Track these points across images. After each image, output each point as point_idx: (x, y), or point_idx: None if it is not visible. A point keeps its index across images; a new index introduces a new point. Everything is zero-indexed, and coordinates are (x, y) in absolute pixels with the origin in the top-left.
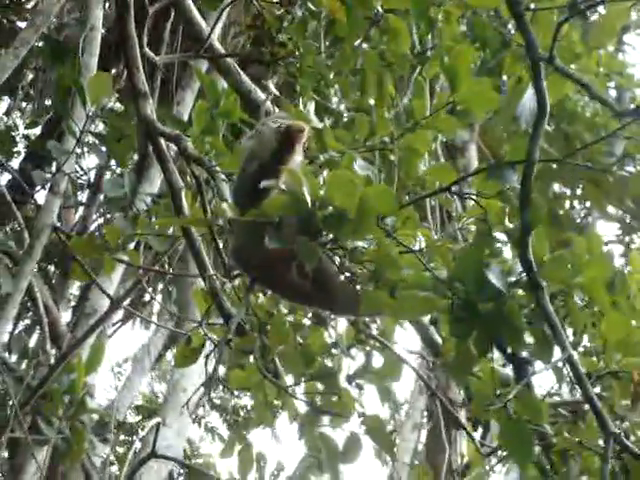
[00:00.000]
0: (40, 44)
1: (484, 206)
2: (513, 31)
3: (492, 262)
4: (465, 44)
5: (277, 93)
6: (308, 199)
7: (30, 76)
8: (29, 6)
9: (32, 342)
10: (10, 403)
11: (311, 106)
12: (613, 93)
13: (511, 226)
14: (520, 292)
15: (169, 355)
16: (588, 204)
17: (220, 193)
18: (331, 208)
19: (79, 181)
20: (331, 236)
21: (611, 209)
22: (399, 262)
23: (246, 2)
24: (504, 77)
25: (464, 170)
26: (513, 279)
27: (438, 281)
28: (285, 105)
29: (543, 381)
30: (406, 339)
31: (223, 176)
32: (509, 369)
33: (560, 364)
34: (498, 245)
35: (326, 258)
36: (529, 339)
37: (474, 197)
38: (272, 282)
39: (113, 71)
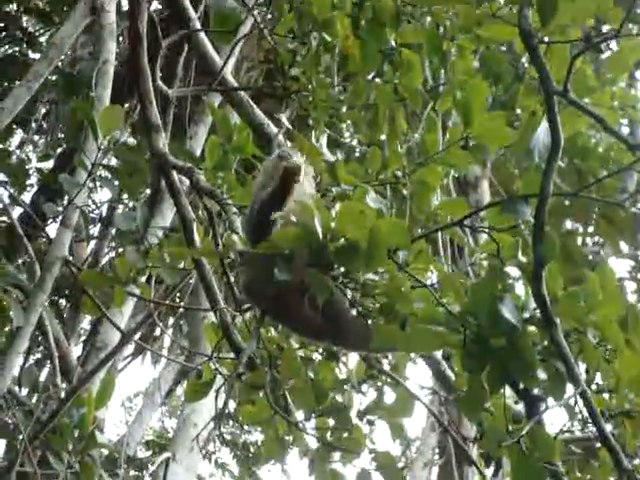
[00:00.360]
0: (53, 77)
1: (497, 240)
2: (526, 65)
3: (505, 296)
4: (478, 78)
5: (290, 126)
6: (319, 231)
7: (43, 109)
8: (42, 39)
9: (42, 376)
10: (20, 437)
11: (323, 140)
12: (626, 130)
13: (524, 260)
14: (532, 329)
15: (180, 390)
16: (600, 240)
17: (232, 226)
18: (342, 240)
19: (91, 214)
20: (342, 269)
21: (624, 246)
22: (411, 296)
23: (259, 37)
24: (517, 111)
25: (476, 205)
26: (527, 315)
27: (451, 315)
28: (298, 139)
29: (555, 418)
30: (417, 374)
31: (235, 209)
32: (521, 405)
33: (572, 401)
34: (510, 281)
35: (338, 292)
36: (542, 375)
37: (487, 230)
38: (283, 316)
39: (126, 105)
